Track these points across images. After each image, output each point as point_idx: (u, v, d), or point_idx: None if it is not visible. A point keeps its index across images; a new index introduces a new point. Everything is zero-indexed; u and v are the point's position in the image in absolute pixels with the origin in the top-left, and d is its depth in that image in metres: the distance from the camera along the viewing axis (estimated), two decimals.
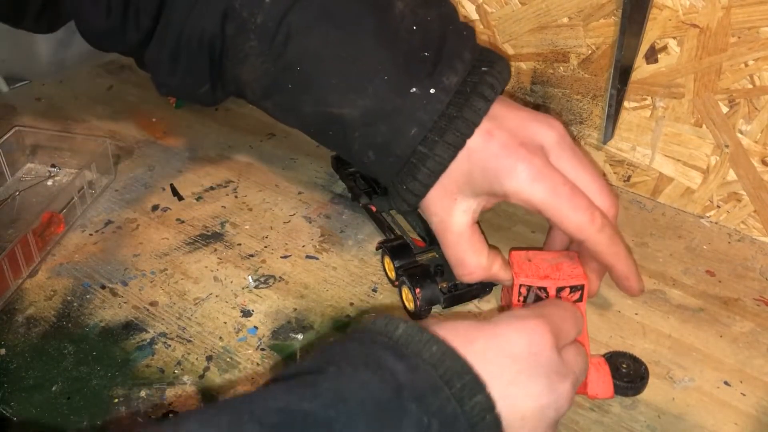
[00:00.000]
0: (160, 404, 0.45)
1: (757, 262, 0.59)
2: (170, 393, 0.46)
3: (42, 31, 0.61)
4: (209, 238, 0.60)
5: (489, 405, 0.32)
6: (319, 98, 0.48)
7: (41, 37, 0.82)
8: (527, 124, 0.46)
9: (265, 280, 0.56)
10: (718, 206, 0.62)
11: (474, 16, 0.69)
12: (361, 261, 0.58)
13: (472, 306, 0.53)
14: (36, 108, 0.79)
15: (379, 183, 0.62)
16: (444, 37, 0.47)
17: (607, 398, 0.45)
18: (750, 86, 0.56)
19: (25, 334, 0.50)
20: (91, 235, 0.60)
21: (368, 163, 0.49)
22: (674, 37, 0.58)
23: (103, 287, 0.55)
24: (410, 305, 0.52)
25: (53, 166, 0.68)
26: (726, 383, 0.48)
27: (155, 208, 0.64)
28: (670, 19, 0.58)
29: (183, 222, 0.62)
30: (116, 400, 0.46)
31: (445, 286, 0.51)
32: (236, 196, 0.66)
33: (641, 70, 0.61)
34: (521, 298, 0.48)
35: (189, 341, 0.50)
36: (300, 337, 0.51)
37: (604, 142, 0.66)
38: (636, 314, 0.53)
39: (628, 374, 0.46)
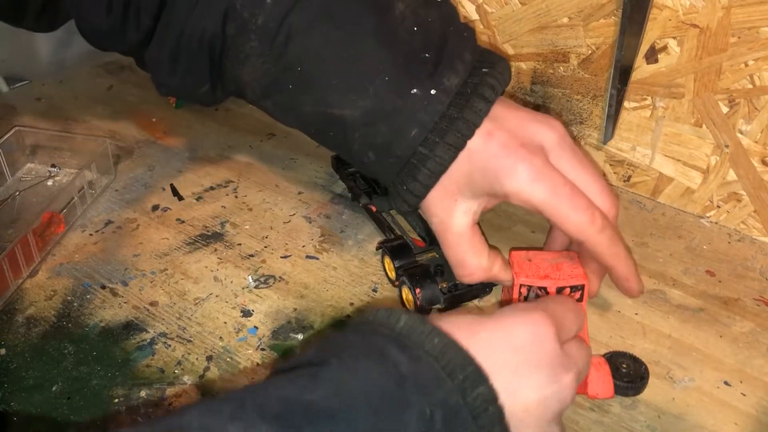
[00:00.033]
0: (160, 404, 0.45)
1: (757, 262, 0.59)
2: (170, 393, 0.46)
3: (42, 29, 0.61)
4: (209, 238, 0.60)
5: (491, 396, 0.32)
6: (319, 98, 0.48)
7: (41, 37, 0.82)
8: (527, 124, 0.46)
9: (265, 280, 0.56)
10: (718, 206, 0.62)
11: (474, 16, 0.69)
12: (361, 261, 0.58)
13: (471, 306, 0.53)
14: (36, 108, 0.79)
15: (379, 183, 0.62)
16: (445, 38, 0.47)
17: (607, 398, 0.45)
18: (750, 86, 0.56)
19: (25, 334, 0.50)
20: (91, 235, 0.60)
21: (368, 164, 0.49)
22: (674, 37, 0.58)
23: (104, 287, 0.55)
24: (410, 305, 0.52)
25: (53, 166, 0.68)
26: (726, 383, 0.48)
27: (155, 208, 0.64)
28: (670, 19, 0.58)
29: (183, 222, 0.62)
30: (116, 400, 0.46)
31: (445, 286, 0.51)
32: (236, 196, 0.66)
33: (641, 70, 0.61)
34: (521, 298, 0.48)
35: (189, 341, 0.50)
36: (300, 336, 0.51)
37: (604, 142, 0.66)
38: (636, 314, 0.53)
39: (628, 374, 0.46)
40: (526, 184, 0.44)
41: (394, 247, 0.54)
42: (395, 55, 0.46)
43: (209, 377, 0.47)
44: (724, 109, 0.58)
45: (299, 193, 0.66)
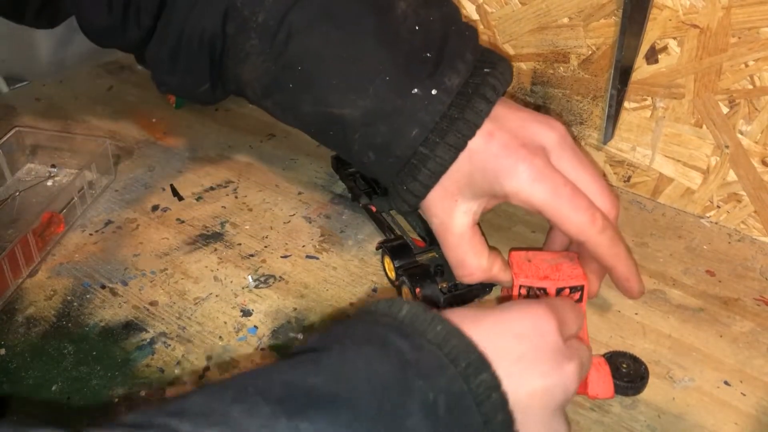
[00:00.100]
0: None
1: (757, 262, 0.59)
2: (170, 393, 0.46)
3: (42, 26, 0.61)
4: (209, 238, 0.60)
5: (495, 383, 0.31)
6: (319, 98, 0.48)
7: (41, 37, 0.82)
8: (528, 124, 0.46)
9: (265, 280, 0.56)
10: (718, 206, 0.62)
11: (474, 16, 0.69)
12: (361, 261, 0.58)
13: (471, 305, 0.53)
14: (36, 108, 0.79)
15: (379, 183, 0.62)
16: (446, 38, 0.47)
17: (608, 398, 0.45)
18: (750, 87, 0.56)
19: (25, 333, 0.50)
20: (91, 235, 0.60)
21: (368, 164, 0.49)
22: (674, 38, 0.58)
23: (103, 287, 0.55)
24: None
25: (53, 166, 0.68)
26: (726, 383, 0.48)
27: (155, 208, 0.64)
28: (670, 20, 0.58)
29: (183, 222, 0.62)
30: (116, 400, 0.45)
31: (445, 286, 0.51)
32: (236, 196, 0.66)
33: (641, 70, 0.61)
34: (521, 299, 0.48)
35: (189, 341, 0.50)
36: (300, 336, 0.51)
37: (605, 143, 0.66)
38: (636, 314, 0.53)
39: (628, 374, 0.46)
40: (526, 185, 0.44)
41: (394, 247, 0.54)
42: (396, 55, 0.46)
43: (209, 377, 0.47)
44: (725, 110, 0.58)
45: (299, 193, 0.66)
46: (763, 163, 0.58)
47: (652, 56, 0.60)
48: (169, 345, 0.50)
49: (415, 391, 0.30)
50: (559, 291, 0.47)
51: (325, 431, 0.27)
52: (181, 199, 0.65)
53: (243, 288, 0.55)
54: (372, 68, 0.47)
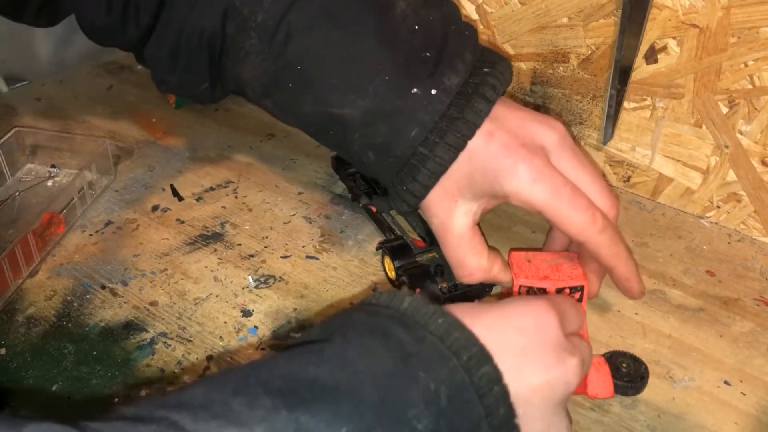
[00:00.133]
0: None
1: (757, 262, 0.59)
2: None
3: (42, 25, 0.61)
4: (209, 238, 0.60)
5: (497, 376, 0.31)
6: (319, 98, 0.48)
7: (41, 37, 0.82)
8: (528, 124, 0.46)
9: (265, 280, 0.56)
10: (718, 206, 0.62)
11: (474, 16, 0.69)
12: (361, 261, 0.58)
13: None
14: (36, 108, 0.79)
15: (379, 183, 0.62)
16: (446, 38, 0.47)
17: (607, 398, 0.45)
18: (750, 86, 0.56)
19: (26, 333, 0.50)
20: (91, 235, 0.60)
21: (368, 164, 0.49)
22: (674, 37, 0.58)
23: (103, 287, 0.55)
24: None
25: (53, 166, 0.68)
26: (726, 383, 0.48)
27: (155, 208, 0.64)
28: (669, 19, 0.58)
29: (183, 222, 0.62)
30: (116, 400, 0.46)
31: (445, 286, 0.51)
32: (236, 197, 0.66)
33: (641, 70, 0.61)
34: None
35: (189, 341, 0.50)
36: (300, 336, 0.51)
37: (604, 143, 0.66)
38: (636, 314, 0.53)
39: (628, 374, 0.46)
40: (526, 185, 0.44)
41: (394, 248, 0.54)
42: (395, 55, 0.46)
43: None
44: (724, 110, 0.58)
45: (299, 193, 0.66)
46: (763, 163, 0.58)
47: (651, 56, 0.60)
48: (170, 345, 0.50)
49: (416, 382, 0.30)
50: (558, 291, 0.47)
51: (327, 423, 0.27)
52: (181, 199, 0.65)
53: (243, 288, 0.55)
54: (372, 68, 0.47)
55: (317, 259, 0.58)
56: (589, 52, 0.64)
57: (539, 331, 0.35)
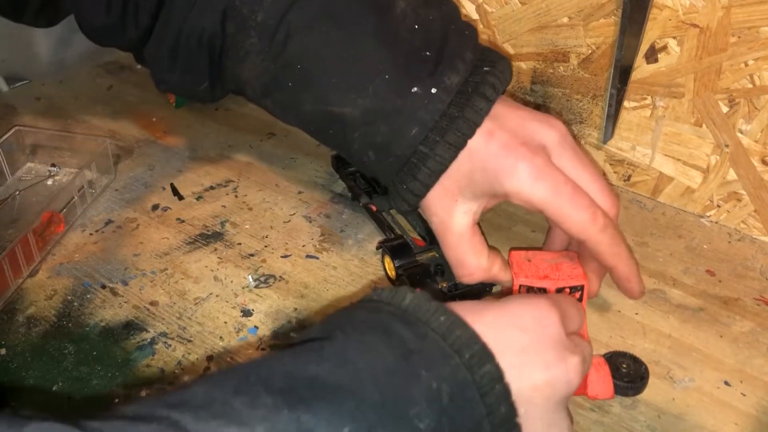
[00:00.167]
0: None
1: (757, 262, 0.59)
2: None
3: (41, 25, 0.61)
4: (209, 237, 0.60)
5: (498, 375, 0.31)
6: (319, 97, 0.48)
7: (41, 36, 0.82)
8: (528, 123, 0.46)
9: (266, 280, 0.56)
10: (718, 206, 0.62)
11: (474, 15, 0.69)
12: (361, 260, 0.58)
13: None
14: (36, 108, 0.79)
15: (380, 182, 0.62)
16: (446, 37, 0.47)
17: (608, 398, 0.45)
18: (750, 86, 0.56)
19: (26, 333, 0.50)
20: (91, 234, 0.60)
21: (368, 163, 0.49)
22: (674, 37, 0.58)
23: (104, 287, 0.55)
24: None
25: (53, 165, 0.68)
26: (726, 383, 0.48)
27: (155, 207, 0.64)
28: (670, 19, 0.58)
29: (183, 221, 0.62)
30: (116, 400, 0.46)
31: (445, 285, 0.51)
32: (236, 196, 0.66)
33: (641, 69, 0.61)
34: None
35: (189, 341, 0.50)
36: None
37: (604, 142, 0.66)
38: (636, 314, 0.53)
39: (628, 374, 0.46)
40: (527, 184, 0.44)
41: (394, 247, 0.54)
42: (395, 54, 0.46)
43: None
44: (724, 109, 0.58)
45: (299, 192, 0.66)
46: (763, 162, 0.58)
47: (651, 56, 0.60)
48: (170, 345, 0.50)
49: (418, 380, 0.30)
50: (558, 291, 0.46)
51: (328, 422, 0.27)
52: (181, 198, 0.65)
53: (243, 288, 0.55)
54: (372, 67, 0.46)
55: (317, 258, 0.58)
56: (590, 51, 0.63)
57: (540, 330, 0.35)
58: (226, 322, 0.52)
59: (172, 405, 0.27)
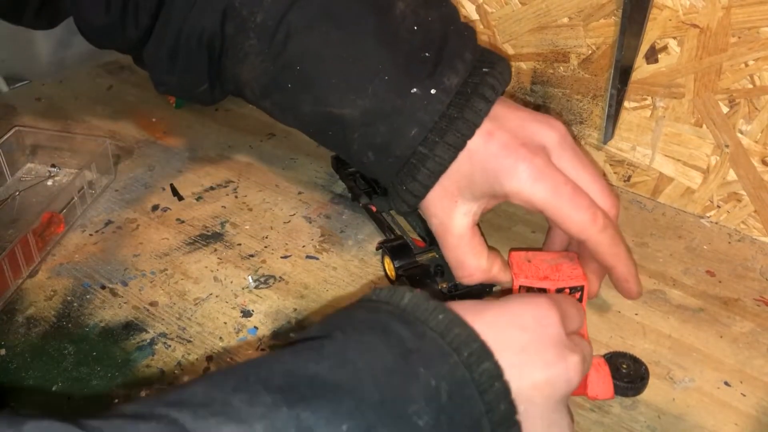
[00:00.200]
0: None
1: (757, 262, 0.59)
2: None
3: (41, 27, 0.61)
4: (209, 238, 0.60)
5: (497, 372, 0.31)
6: (318, 98, 0.48)
7: (41, 37, 0.82)
8: (528, 124, 0.46)
9: (265, 280, 0.56)
10: (719, 206, 0.62)
11: (474, 16, 0.69)
12: (361, 261, 0.58)
13: None
14: (36, 108, 0.79)
15: (379, 183, 0.62)
16: (445, 38, 0.47)
17: (608, 399, 0.45)
18: (750, 86, 0.56)
19: (25, 334, 0.50)
20: (91, 235, 0.60)
21: (368, 164, 0.49)
22: (674, 37, 0.58)
23: (103, 287, 0.55)
24: None
25: (53, 166, 0.68)
26: (726, 383, 0.48)
27: (155, 208, 0.64)
28: (670, 19, 0.58)
29: (183, 222, 0.62)
30: (116, 400, 0.46)
31: (445, 286, 0.51)
32: (236, 196, 0.66)
33: (641, 70, 0.61)
34: None
35: (189, 341, 0.50)
36: None
37: (605, 142, 0.66)
38: (636, 314, 0.53)
39: (628, 374, 0.46)
40: (527, 184, 0.44)
41: (394, 247, 0.54)
42: (395, 55, 0.46)
43: None
44: (725, 109, 0.58)
45: (299, 193, 0.66)
46: (763, 162, 0.58)
47: (652, 56, 0.60)
48: (170, 345, 0.50)
49: (417, 379, 0.30)
50: (559, 291, 0.46)
51: (327, 420, 0.27)
52: (181, 198, 0.65)
53: (243, 288, 0.55)
54: (371, 68, 0.46)
55: (317, 259, 0.58)
56: (590, 51, 0.63)
57: (540, 329, 0.35)
58: (225, 323, 0.52)
59: (171, 404, 0.27)
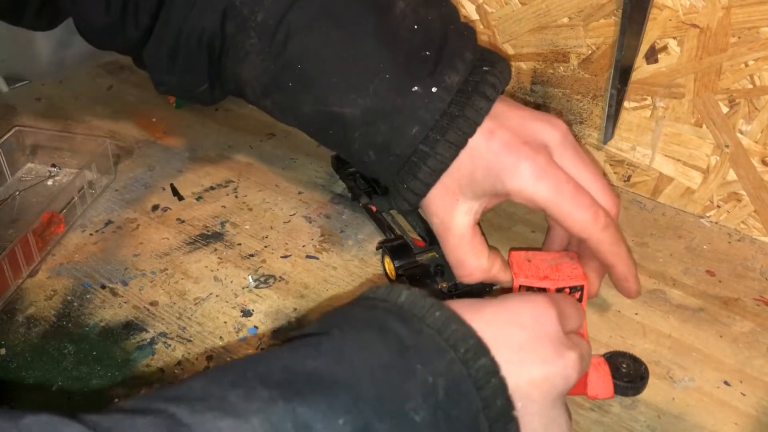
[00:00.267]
0: None
1: (757, 262, 0.59)
2: None
3: (41, 28, 0.61)
4: (209, 237, 0.60)
5: (494, 369, 0.31)
6: (319, 97, 0.48)
7: (41, 37, 0.82)
8: (529, 122, 0.46)
9: (265, 280, 0.56)
10: (718, 206, 0.62)
11: (474, 16, 0.69)
12: (361, 261, 0.58)
13: None
14: (36, 108, 0.79)
15: (380, 183, 0.62)
16: (445, 37, 0.47)
17: (607, 398, 0.45)
18: (750, 86, 0.56)
19: (26, 333, 0.50)
20: (91, 235, 0.60)
21: (368, 163, 0.49)
22: (674, 37, 0.58)
23: (103, 287, 0.55)
24: None
25: (53, 166, 0.68)
26: (726, 383, 0.48)
27: (155, 208, 0.64)
28: (670, 19, 0.58)
29: (183, 222, 0.62)
30: (116, 400, 0.46)
31: (445, 286, 0.51)
32: (236, 196, 0.66)
33: (641, 70, 0.61)
34: None
35: (189, 341, 0.50)
36: None
37: (605, 142, 0.66)
38: (636, 314, 0.53)
39: (628, 374, 0.46)
40: (529, 183, 0.44)
41: (394, 247, 0.54)
42: (395, 54, 0.46)
43: None
44: (724, 109, 0.58)
45: (299, 193, 0.66)
46: (763, 162, 0.58)
47: (652, 56, 0.60)
48: (170, 345, 0.50)
49: (414, 375, 0.30)
50: (559, 291, 0.47)
51: (324, 414, 0.28)
52: (181, 198, 0.65)
53: (243, 288, 0.55)
54: (372, 67, 0.47)
55: (317, 258, 0.58)
56: (590, 51, 0.64)
57: (538, 327, 0.35)
58: (225, 322, 0.52)
59: (169, 398, 0.28)
